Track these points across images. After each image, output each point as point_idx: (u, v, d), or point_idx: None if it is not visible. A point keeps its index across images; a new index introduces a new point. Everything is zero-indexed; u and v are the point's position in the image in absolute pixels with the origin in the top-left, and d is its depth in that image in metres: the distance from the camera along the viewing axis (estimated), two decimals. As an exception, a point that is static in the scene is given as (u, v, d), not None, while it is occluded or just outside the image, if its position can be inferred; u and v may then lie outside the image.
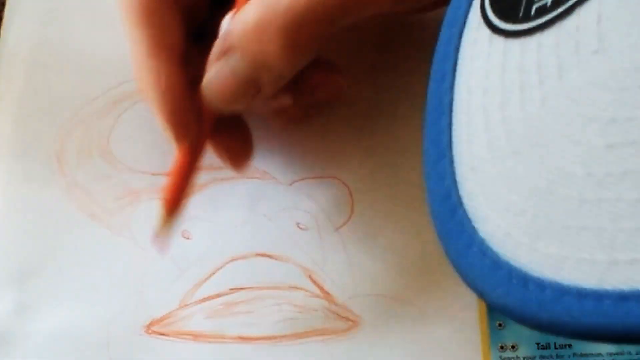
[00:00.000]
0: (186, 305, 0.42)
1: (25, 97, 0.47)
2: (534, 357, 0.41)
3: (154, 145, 0.46)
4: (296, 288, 0.43)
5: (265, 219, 0.44)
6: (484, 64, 0.29)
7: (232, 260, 0.43)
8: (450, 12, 0.31)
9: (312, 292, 0.42)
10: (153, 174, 0.45)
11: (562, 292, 0.24)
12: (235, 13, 0.40)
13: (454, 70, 0.30)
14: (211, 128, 0.41)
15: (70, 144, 0.46)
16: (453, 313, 0.42)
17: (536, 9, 0.27)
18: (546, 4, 0.27)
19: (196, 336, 0.42)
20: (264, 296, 0.43)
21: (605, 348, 0.41)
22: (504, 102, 0.27)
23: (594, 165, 0.24)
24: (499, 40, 0.28)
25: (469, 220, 0.27)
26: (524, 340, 0.41)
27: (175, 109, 0.40)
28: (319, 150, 0.45)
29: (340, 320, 0.42)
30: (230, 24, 0.40)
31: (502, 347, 0.41)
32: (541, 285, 0.25)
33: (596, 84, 0.25)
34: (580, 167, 0.25)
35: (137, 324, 0.42)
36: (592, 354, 0.41)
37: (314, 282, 0.43)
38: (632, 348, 0.41)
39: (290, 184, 0.45)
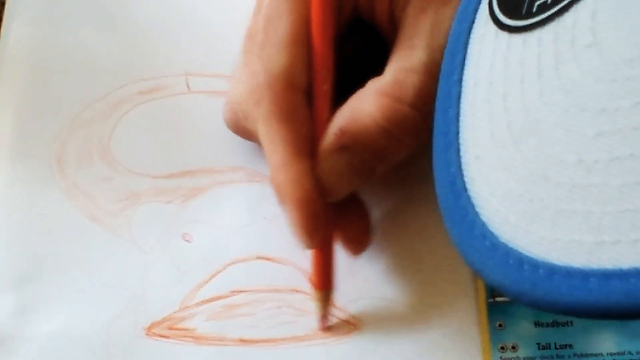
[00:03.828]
0: (187, 307, 0.42)
1: (25, 100, 0.47)
2: (534, 357, 0.41)
3: (155, 147, 0.46)
4: (296, 291, 0.43)
5: (265, 222, 0.44)
6: (489, 57, 0.30)
7: (233, 262, 0.43)
8: (461, 8, 0.33)
9: (312, 295, 0.42)
10: (153, 177, 0.45)
11: (552, 271, 0.26)
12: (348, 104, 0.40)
13: (463, 63, 0.31)
14: (334, 214, 0.41)
15: (71, 146, 0.46)
16: (453, 314, 0.42)
17: (538, 6, 0.29)
18: (546, 1, 0.29)
19: (197, 338, 0.42)
20: (265, 299, 0.43)
21: (606, 348, 0.41)
22: (506, 94, 0.29)
23: (584, 152, 0.26)
24: (504, 35, 0.30)
25: (472, 205, 0.29)
26: (524, 341, 0.41)
27: (313, 215, 0.40)
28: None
29: (340, 323, 0.42)
30: (348, 120, 0.39)
31: (502, 348, 0.41)
32: (535, 265, 0.26)
33: (589, 76, 0.26)
34: (572, 155, 0.26)
35: (138, 326, 0.42)
36: (592, 354, 0.41)
37: (314, 284, 0.43)
38: (632, 348, 0.41)
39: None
